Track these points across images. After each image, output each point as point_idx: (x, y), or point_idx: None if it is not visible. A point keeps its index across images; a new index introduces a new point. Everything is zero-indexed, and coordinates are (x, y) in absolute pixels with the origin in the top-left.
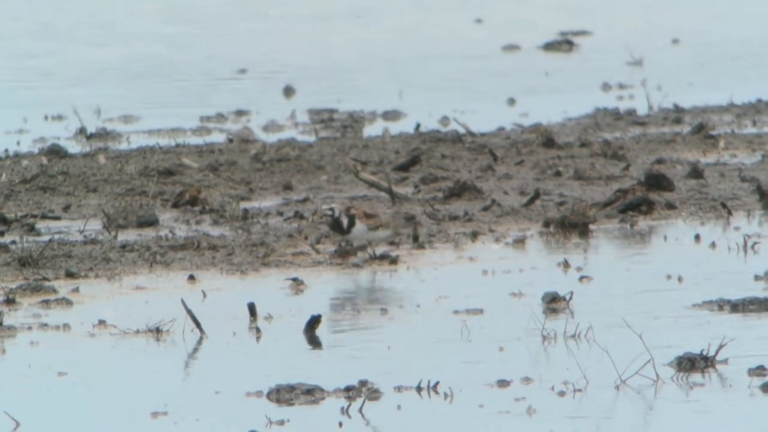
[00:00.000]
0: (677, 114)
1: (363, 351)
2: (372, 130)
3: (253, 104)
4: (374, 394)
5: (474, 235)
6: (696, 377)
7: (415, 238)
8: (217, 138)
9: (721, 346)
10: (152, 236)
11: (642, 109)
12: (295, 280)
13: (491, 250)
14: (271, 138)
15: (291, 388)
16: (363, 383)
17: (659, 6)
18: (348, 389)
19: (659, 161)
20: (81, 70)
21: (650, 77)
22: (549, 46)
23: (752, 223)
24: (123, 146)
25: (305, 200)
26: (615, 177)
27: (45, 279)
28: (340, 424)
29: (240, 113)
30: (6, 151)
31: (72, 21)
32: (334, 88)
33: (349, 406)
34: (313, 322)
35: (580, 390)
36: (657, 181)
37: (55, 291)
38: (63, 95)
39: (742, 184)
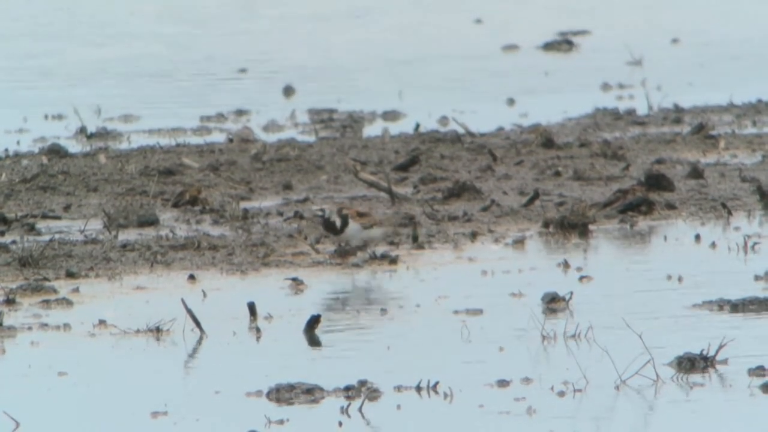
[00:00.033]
0: (677, 114)
1: (363, 351)
2: (371, 130)
3: (253, 104)
4: (374, 394)
5: (473, 236)
6: (696, 377)
7: (415, 239)
8: (217, 138)
9: (721, 346)
10: (153, 236)
11: (642, 109)
12: (294, 280)
13: (491, 251)
14: (271, 138)
15: (291, 388)
16: (363, 383)
17: (659, 6)
18: (348, 389)
19: (659, 161)
20: (81, 70)
21: (650, 77)
22: (549, 46)
23: (752, 224)
24: (123, 146)
25: (305, 200)
26: (615, 177)
27: (45, 279)
28: (340, 424)
29: (240, 113)
30: (6, 150)
31: (72, 21)
32: (334, 88)
33: (348, 405)
34: (313, 321)
35: (580, 390)
36: (657, 182)
37: (55, 291)
38: (63, 95)
39: (742, 185)
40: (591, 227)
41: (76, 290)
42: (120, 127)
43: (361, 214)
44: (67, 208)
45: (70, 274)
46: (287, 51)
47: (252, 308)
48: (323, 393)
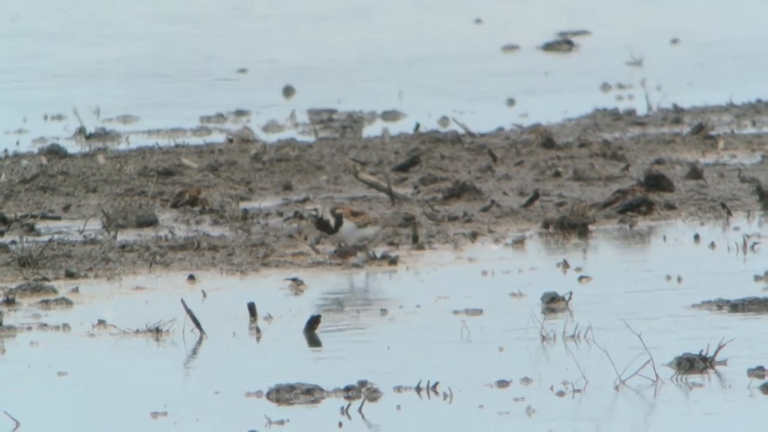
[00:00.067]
0: (677, 114)
1: (363, 351)
2: (371, 130)
3: (253, 104)
4: (374, 394)
5: (473, 236)
6: (695, 378)
7: (415, 239)
8: (217, 138)
9: (720, 347)
10: (152, 236)
11: (641, 110)
12: (294, 280)
13: (491, 251)
14: (271, 138)
15: (291, 388)
16: (362, 383)
17: (659, 6)
18: (347, 389)
19: (659, 162)
20: (81, 70)
21: (650, 77)
22: (548, 46)
23: (752, 224)
24: (122, 146)
25: (305, 200)
26: (614, 177)
27: (45, 279)
28: (340, 424)
29: (240, 113)
30: (5, 151)
31: (71, 21)
32: (333, 89)
33: (348, 406)
34: (313, 322)
35: (579, 390)
36: (656, 182)
37: (54, 291)
38: (62, 95)
39: (742, 185)
40: (591, 227)
41: (76, 290)
42: (119, 128)
43: (355, 213)
44: (66, 208)
45: (70, 275)
46: (287, 51)
47: (252, 309)
48: (323, 393)
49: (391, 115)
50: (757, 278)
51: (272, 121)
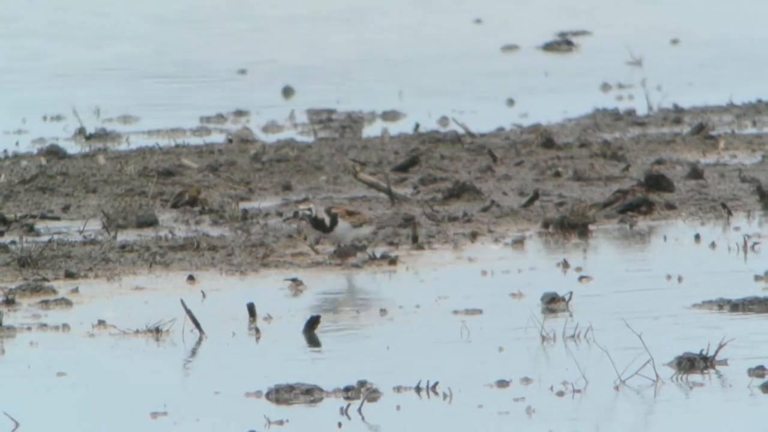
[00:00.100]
0: (677, 114)
1: (362, 351)
2: (371, 130)
3: (253, 105)
4: (373, 395)
5: (473, 236)
6: (696, 377)
7: (415, 239)
8: (217, 138)
9: (720, 346)
10: (152, 236)
11: (642, 110)
12: (294, 280)
13: (490, 251)
14: (271, 138)
15: (290, 388)
16: (362, 383)
17: (659, 6)
18: (347, 389)
19: (659, 162)
20: (80, 71)
21: (650, 77)
22: (548, 46)
23: (752, 224)
24: (122, 147)
25: (305, 201)
26: (614, 177)
27: (44, 279)
28: (339, 425)
29: (239, 113)
30: (5, 151)
31: (72, 21)
32: (333, 89)
33: (348, 406)
34: (313, 322)
35: (579, 390)
36: (657, 182)
37: (54, 291)
38: (62, 95)
39: (742, 185)
40: (591, 227)
41: (75, 291)
42: (119, 128)
43: (350, 213)
44: (66, 208)
45: (69, 275)
46: (287, 51)
47: (251, 309)
48: (323, 393)
49: (390, 115)
50: (757, 278)
51: (272, 122)
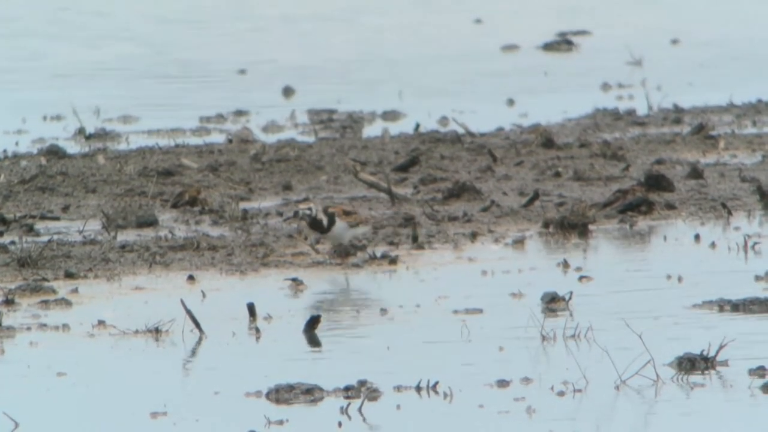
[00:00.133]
0: (677, 114)
1: (363, 351)
2: (371, 130)
3: (253, 104)
4: (373, 394)
5: (473, 236)
6: (696, 378)
7: (415, 239)
8: (217, 138)
9: (721, 347)
10: (152, 236)
11: (642, 110)
12: (294, 280)
13: (491, 251)
14: (271, 138)
15: (290, 388)
16: (362, 383)
17: (659, 6)
18: (347, 389)
19: (659, 162)
20: (80, 71)
21: (650, 77)
22: (548, 46)
23: (752, 224)
24: (122, 146)
25: (305, 201)
26: (615, 177)
27: (44, 279)
28: (340, 424)
29: (239, 113)
30: (5, 151)
31: (72, 21)
32: (333, 89)
33: (348, 405)
34: (313, 322)
35: (579, 390)
36: (657, 182)
37: (54, 291)
38: (62, 96)
39: (742, 185)
40: (591, 227)
41: (75, 291)
42: (119, 128)
43: (347, 213)
44: (65, 208)
45: (69, 275)
46: (287, 51)
47: (251, 309)
48: (323, 393)
49: (391, 115)
50: (757, 278)
51: (272, 122)
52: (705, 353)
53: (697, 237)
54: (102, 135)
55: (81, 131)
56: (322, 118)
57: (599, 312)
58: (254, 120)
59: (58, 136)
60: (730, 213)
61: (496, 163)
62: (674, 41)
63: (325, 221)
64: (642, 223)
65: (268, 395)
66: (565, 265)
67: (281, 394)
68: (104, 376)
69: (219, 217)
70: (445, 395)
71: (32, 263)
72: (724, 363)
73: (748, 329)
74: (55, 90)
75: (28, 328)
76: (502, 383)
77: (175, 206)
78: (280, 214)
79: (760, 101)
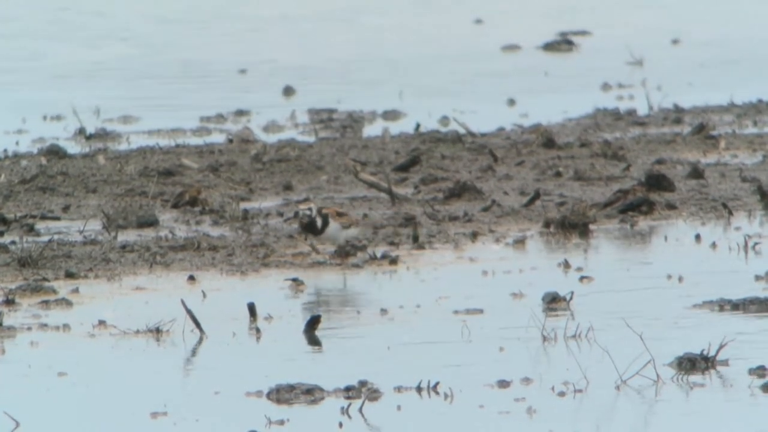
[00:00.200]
0: (677, 114)
1: (363, 351)
2: (372, 130)
3: (253, 104)
4: (374, 394)
5: (474, 236)
6: (696, 377)
7: (415, 239)
8: (217, 138)
9: (721, 347)
10: (152, 237)
11: (642, 110)
12: (294, 280)
13: (491, 251)
14: (271, 138)
15: (291, 388)
16: (363, 383)
17: (659, 6)
18: (348, 389)
19: (659, 161)
20: (81, 71)
21: (650, 77)
22: (549, 46)
23: (753, 224)
24: (122, 147)
25: (305, 201)
26: (615, 177)
27: (45, 279)
28: (340, 425)
29: (240, 113)
30: (5, 151)
31: (72, 21)
32: (333, 89)
33: (348, 406)
34: (313, 322)
35: (580, 390)
36: (657, 182)
37: (54, 291)
38: (62, 95)
39: (743, 185)
40: (591, 227)
41: (76, 291)
42: (119, 128)
43: (340, 214)
44: (66, 208)
45: (70, 275)
46: (287, 51)
47: (252, 309)
48: (323, 393)
49: (391, 115)
50: (758, 278)
51: (272, 122)
52: (705, 353)
53: (697, 237)
54: (102, 135)
55: (81, 131)
56: (323, 117)
57: (600, 312)
58: (255, 120)
59: (59, 136)
60: (730, 213)
61: (496, 163)
62: (674, 41)
63: (319, 222)
64: (643, 223)
65: (268, 395)
66: (566, 265)
67: (282, 394)
68: (105, 376)
69: (219, 217)
70: (446, 396)
71: (33, 263)
72: (724, 363)
73: (748, 329)
74: (55, 90)
75: (29, 328)
76: (503, 383)
77: (175, 206)
78: (281, 214)
79: (760, 101)
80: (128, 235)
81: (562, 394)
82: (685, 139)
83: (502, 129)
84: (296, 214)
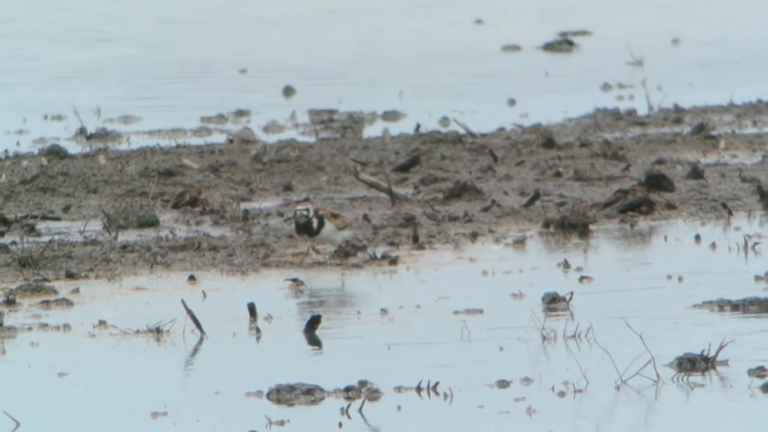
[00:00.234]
0: (677, 114)
1: (362, 351)
2: (372, 130)
3: (254, 105)
4: (374, 395)
5: (474, 236)
6: (696, 378)
7: (415, 239)
8: (218, 138)
9: (721, 347)
10: (152, 237)
11: (642, 110)
12: (295, 280)
13: (491, 251)
14: (272, 138)
15: (291, 388)
16: (363, 383)
17: (659, 6)
18: (348, 389)
19: (659, 161)
20: (81, 71)
21: (650, 77)
22: (549, 46)
23: (753, 224)
24: (123, 147)
25: (305, 201)
26: (615, 177)
27: (45, 279)
28: (340, 425)
29: (240, 114)
30: (6, 151)
31: (72, 21)
32: (333, 89)
33: (348, 406)
34: (313, 322)
35: (580, 390)
36: (657, 182)
37: (55, 291)
38: (63, 96)
39: (743, 185)
40: (591, 227)
41: (76, 291)
42: (120, 128)
43: (335, 215)
44: (66, 209)
45: (70, 275)
46: (287, 51)
47: (252, 309)
48: (323, 393)
49: (391, 116)
50: (757, 278)
51: (273, 122)
52: (705, 353)
53: (697, 237)
54: (103, 135)
55: (82, 131)
56: (323, 118)
57: (600, 312)
58: (255, 120)
59: (60, 137)
60: (730, 213)
61: (496, 163)
62: (674, 41)
63: (315, 223)
64: (642, 223)
65: (268, 395)
66: (566, 265)
67: (282, 395)
68: (105, 376)
69: (220, 217)
70: (446, 396)
71: (33, 263)
72: (724, 363)
73: (748, 329)
74: (56, 90)
75: (29, 328)
76: (503, 384)
77: (176, 206)
78: (281, 214)
79: (760, 101)
80: (129, 236)
81: (562, 394)
82: (685, 139)
83: (502, 129)
84: (295, 214)
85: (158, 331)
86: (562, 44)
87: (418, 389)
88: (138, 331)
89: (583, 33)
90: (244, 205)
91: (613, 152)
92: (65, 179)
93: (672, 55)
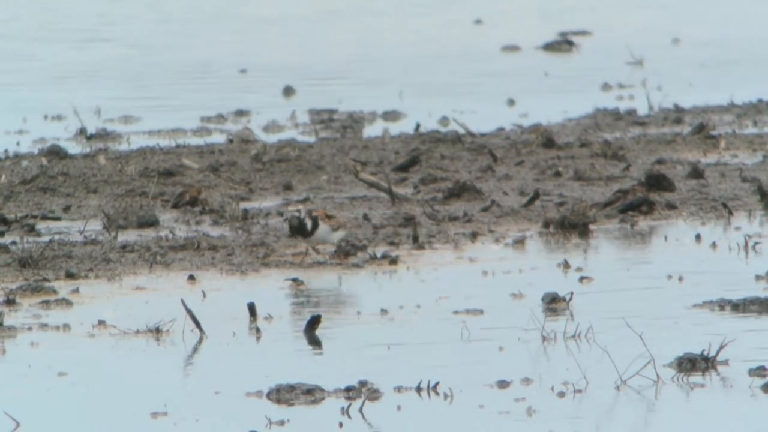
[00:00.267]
0: (677, 114)
1: (362, 351)
2: (372, 130)
3: (253, 104)
4: (374, 395)
5: (474, 236)
6: (696, 378)
7: (415, 239)
8: (218, 138)
9: (721, 347)
10: (152, 237)
11: (642, 109)
12: (294, 280)
13: (491, 251)
14: (272, 138)
15: (291, 388)
16: (363, 383)
17: (659, 6)
18: (348, 389)
19: (659, 161)
20: (81, 71)
21: (650, 77)
22: (549, 46)
23: (753, 224)
24: (123, 147)
25: (305, 200)
26: (615, 177)
27: (45, 279)
28: (340, 425)
29: (240, 113)
30: (6, 151)
31: (72, 21)
32: (333, 89)
33: (349, 406)
34: (313, 322)
35: (580, 390)
36: (657, 182)
37: (55, 291)
38: (63, 96)
39: (743, 185)
40: (591, 227)
41: (76, 291)
42: (120, 128)
43: (329, 216)
44: (66, 209)
45: (70, 275)
46: (287, 51)
47: (252, 309)
48: (323, 393)
49: (391, 115)
50: (758, 278)
51: (272, 122)
52: (705, 353)
53: (697, 237)
54: (103, 135)
55: (82, 131)
56: (323, 118)
57: (600, 312)
58: (255, 120)
59: (60, 137)
60: (730, 213)
61: (496, 163)
62: (674, 41)
63: (309, 224)
64: (642, 223)
65: (268, 395)
66: (566, 265)
67: (282, 395)
68: (105, 376)
69: (219, 217)
70: (446, 396)
71: (33, 263)
72: (724, 363)
73: (748, 329)
74: (56, 90)
75: (29, 328)
76: (503, 384)
77: (175, 206)
78: (281, 214)
79: (760, 101)
80: (128, 235)
81: (561, 394)
82: (685, 139)
83: (502, 129)
84: (287, 216)
85: (158, 330)
86: (562, 44)
87: (418, 389)
88: (138, 331)
89: (583, 33)
90: (243, 205)
91: (613, 152)
92: (65, 179)
93: (672, 55)
